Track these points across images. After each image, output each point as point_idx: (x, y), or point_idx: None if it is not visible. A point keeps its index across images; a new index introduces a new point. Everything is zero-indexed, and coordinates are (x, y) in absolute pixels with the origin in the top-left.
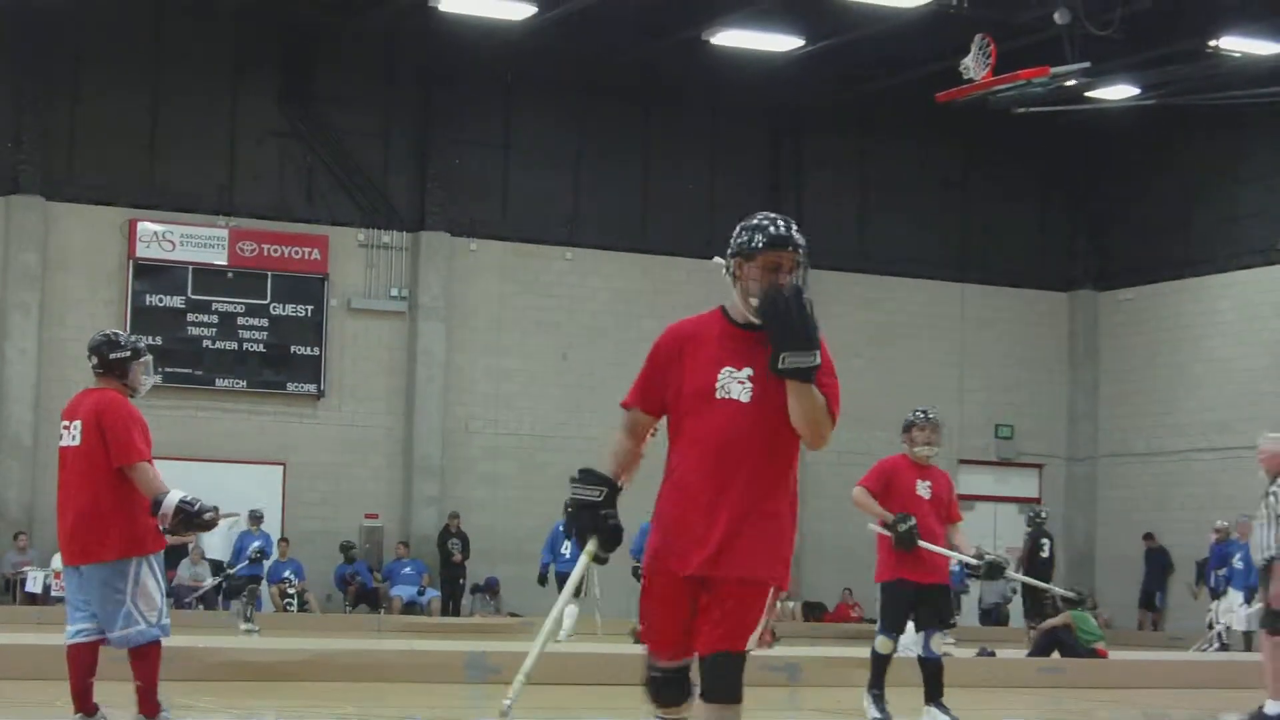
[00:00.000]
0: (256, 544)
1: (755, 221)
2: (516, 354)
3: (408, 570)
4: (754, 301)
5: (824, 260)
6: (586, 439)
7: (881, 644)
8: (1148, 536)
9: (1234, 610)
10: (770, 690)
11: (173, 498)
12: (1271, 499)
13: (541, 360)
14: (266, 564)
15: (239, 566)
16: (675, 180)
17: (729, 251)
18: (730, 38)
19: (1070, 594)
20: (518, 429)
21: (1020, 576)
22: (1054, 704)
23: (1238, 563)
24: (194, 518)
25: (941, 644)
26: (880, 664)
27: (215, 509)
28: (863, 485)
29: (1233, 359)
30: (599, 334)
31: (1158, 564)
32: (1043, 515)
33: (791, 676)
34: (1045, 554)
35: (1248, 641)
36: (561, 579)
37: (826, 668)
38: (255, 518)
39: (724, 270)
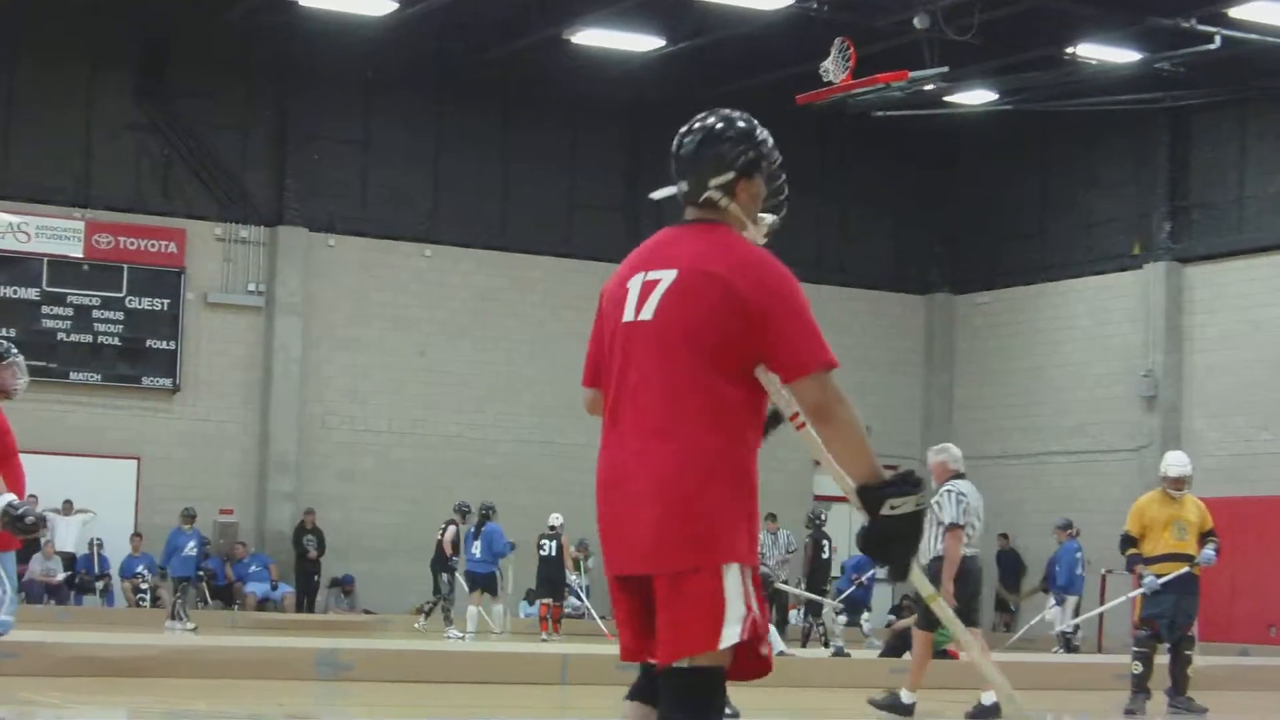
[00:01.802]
0: (191, 542)
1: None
2: (374, 350)
3: (254, 568)
4: (767, 220)
5: None
6: (444, 436)
7: None
8: (1002, 537)
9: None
10: None
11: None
12: (935, 506)
13: (399, 357)
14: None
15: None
16: (535, 178)
17: (742, 166)
18: (591, 37)
19: (816, 597)
20: (375, 425)
21: (787, 587)
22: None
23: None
24: (17, 522)
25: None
26: None
27: (41, 516)
28: None
29: (1086, 363)
30: (457, 331)
31: (1010, 566)
32: (822, 517)
33: None
34: (825, 555)
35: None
36: (470, 578)
37: None
38: (188, 515)
39: (719, 201)
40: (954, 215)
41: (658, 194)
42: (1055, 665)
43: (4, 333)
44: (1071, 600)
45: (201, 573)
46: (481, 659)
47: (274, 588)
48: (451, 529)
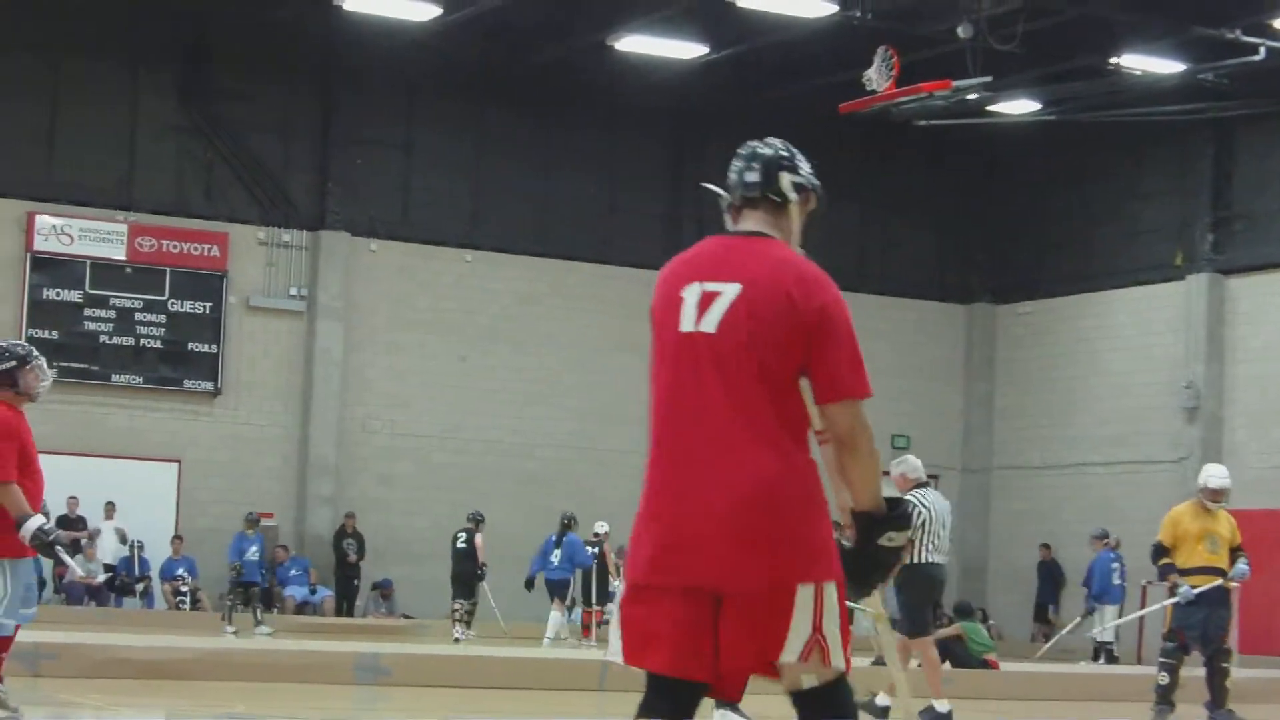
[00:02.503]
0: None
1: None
2: (415, 355)
3: (294, 571)
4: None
5: None
6: (484, 441)
7: None
8: (1044, 547)
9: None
10: None
11: (31, 524)
12: None
13: (440, 361)
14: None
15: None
16: (575, 184)
17: (801, 182)
18: (634, 43)
19: None
20: (415, 430)
21: None
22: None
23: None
24: (47, 546)
25: None
26: None
27: (69, 540)
28: None
29: (1128, 374)
30: (497, 336)
31: (1050, 576)
32: None
33: None
34: None
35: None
36: (549, 585)
37: None
38: (252, 520)
39: (787, 194)
40: (996, 224)
41: (712, 186)
42: (1090, 676)
43: (47, 335)
44: (1110, 610)
45: (264, 576)
46: (520, 664)
47: (313, 591)
48: (479, 536)
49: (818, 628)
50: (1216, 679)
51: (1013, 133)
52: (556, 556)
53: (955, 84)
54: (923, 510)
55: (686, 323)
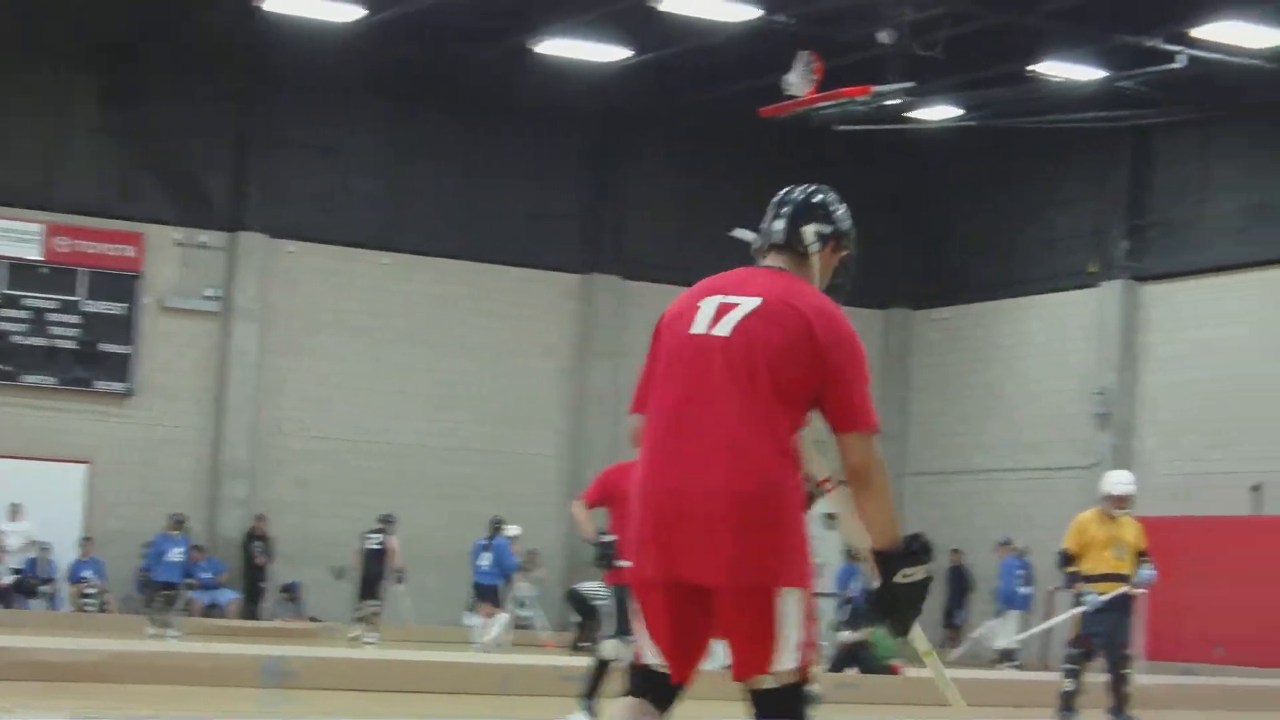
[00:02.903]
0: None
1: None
2: (332, 357)
3: (205, 574)
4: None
5: (644, 272)
6: (401, 444)
7: (611, 649)
8: (954, 553)
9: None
10: None
11: None
12: None
13: (357, 364)
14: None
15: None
16: (497, 188)
17: (830, 230)
18: (557, 46)
19: None
20: (330, 433)
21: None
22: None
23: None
24: None
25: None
26: (603, 671)
27: None
28: (580, 499)
29: (1042, 380)
30: (416, 340)
31: (959, 582)
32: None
33: None
34: None
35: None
36: (478, 589)
37: None
38: (176, 521)
39: (809, 245)
40: (914, 230)
41: (738, 232)
42: (994, 682)
43: None
44: (1014, 615)
45: (190, 580)
46: (426, 668)
47: (215, 590)
48: (392, 539)
49: (809, 636)
50: (1119, 685)
51: (933, 139)
52: (486, 560)
53: (876, 89)
54: None
55: (699, 326)
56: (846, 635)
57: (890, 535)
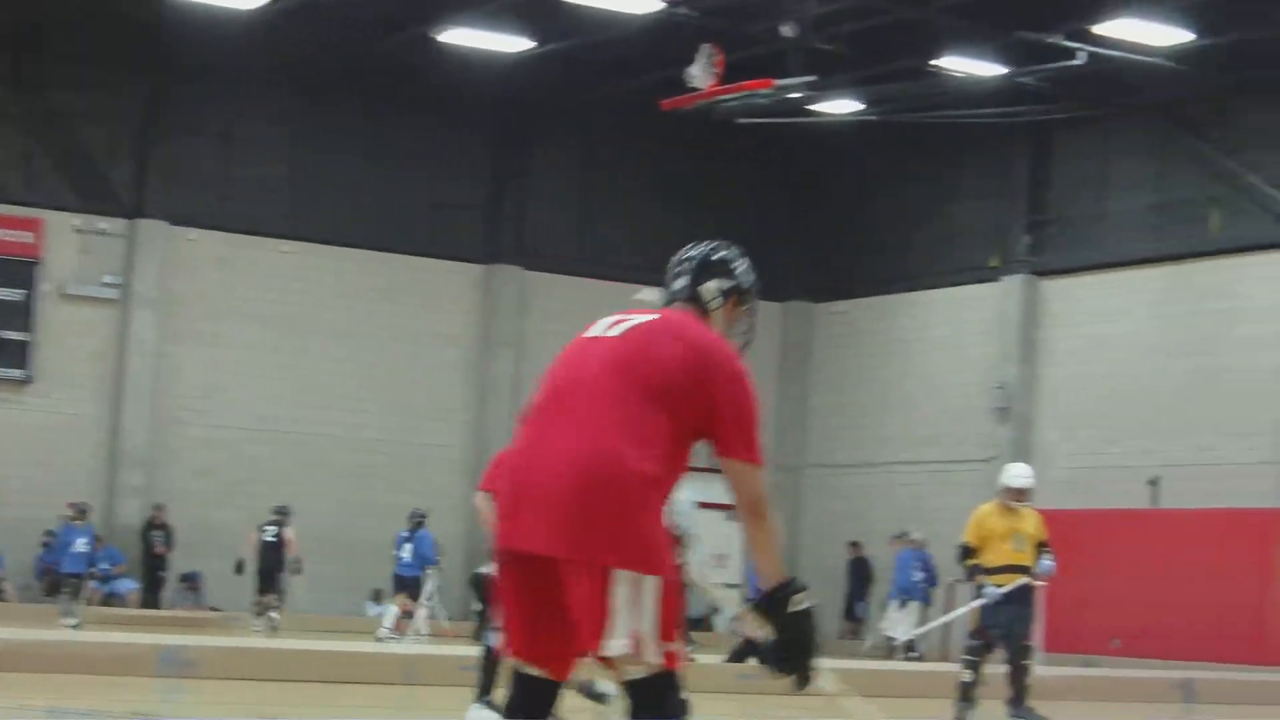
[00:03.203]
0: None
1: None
2: (232, 346)
3: (104, 565)
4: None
5: (546, 263)
6: (301, 434)
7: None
8: (853, 545)
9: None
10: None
11: None
12: None
13: (257, 353)
14: None
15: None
16: (399, 177)
17: (731, 285)
18: (460, 36)
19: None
20: (230, 421)
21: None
22: (751, 710)
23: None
24: None
25: None
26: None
27: None
28: (480, 489)
29: (941, 374)
30: (317, 329)
31: (859, 574)
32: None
33: None
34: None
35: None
36: (399, 581)
37: None
38: (80, 510)
39: (710, 301)
40: (816, 223)
41: (642, 293)
42: (894, 673)
43: None
44: (912, 607)
45: (93, 570)
46: (327, 658)
47: (115, 581)
48: (288, 530)
49: (637, 623)
50: (1018, 677)
51: (835, 132)
52: (408, 552)
53: (777, 83)
54: None
55: (594, 332)
56: (745, 626)
57: (779, 570)
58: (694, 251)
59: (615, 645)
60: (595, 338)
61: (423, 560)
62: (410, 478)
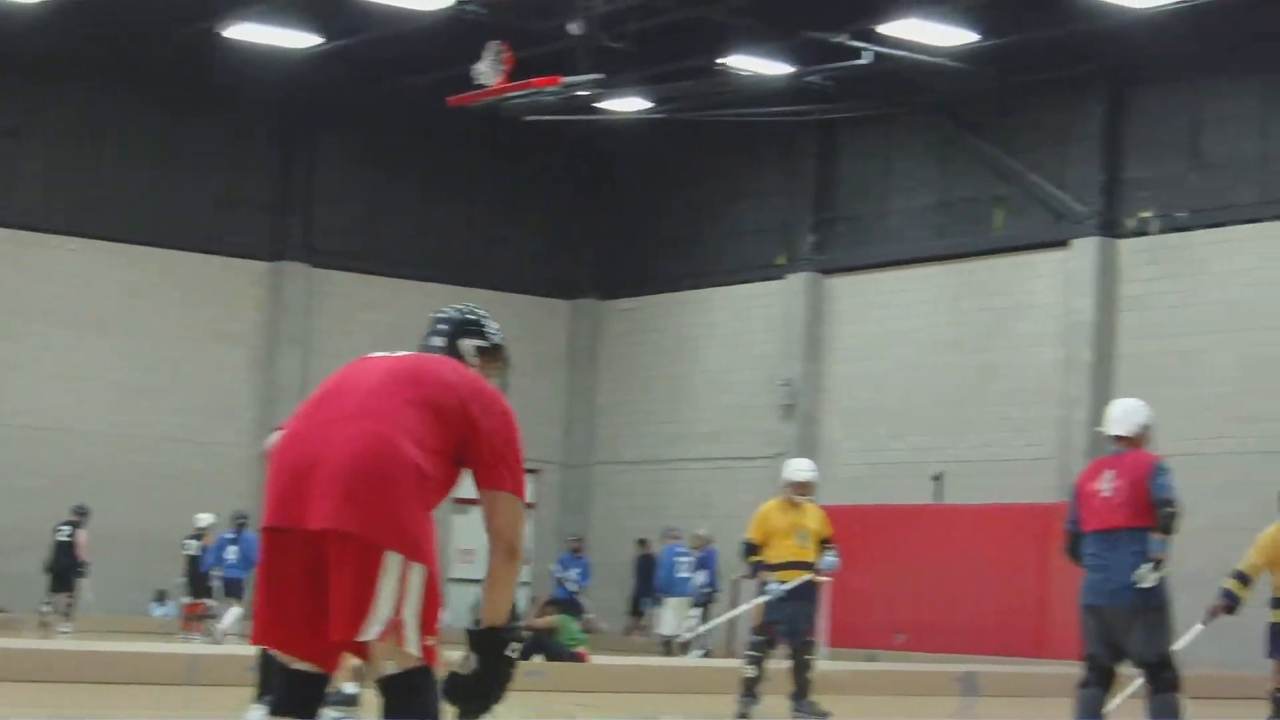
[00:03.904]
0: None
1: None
2: (17, 343)
3: None
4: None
5: (333, 262)
6: (91, 433)
7: None
8: (640, 542)
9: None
10: None
11: None
12: None
13: (42, 351)
14: None
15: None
16: (186, 174)
17: (485, 345)
18: (246, 31)
19: None
20: (17, 420)
21: None
22: (535, 707)
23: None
24: None
25: None
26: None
27: None
28: None
29: (728, 371)
30: (105, 327)
31: (645, 571)
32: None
33: None
34: None
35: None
36: (226, 584)
37: None
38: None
39: (468, 358)
40: (605, 221)
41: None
42: (677, 669)
43: None
44: (674, 603)
45: None
46: (111, 658)
47: None
48: (81, 532)
49: (399, 610)
50: (801, 671)
51: (623, 131)
52: (233, 554)
53: (565, 80)
54: None
55: (373, 356)
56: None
57: (506, 612)
58: (449, 313)
59: (374, 630)
60: (374, 356)
61: (247, 562)
62: (199, 477)
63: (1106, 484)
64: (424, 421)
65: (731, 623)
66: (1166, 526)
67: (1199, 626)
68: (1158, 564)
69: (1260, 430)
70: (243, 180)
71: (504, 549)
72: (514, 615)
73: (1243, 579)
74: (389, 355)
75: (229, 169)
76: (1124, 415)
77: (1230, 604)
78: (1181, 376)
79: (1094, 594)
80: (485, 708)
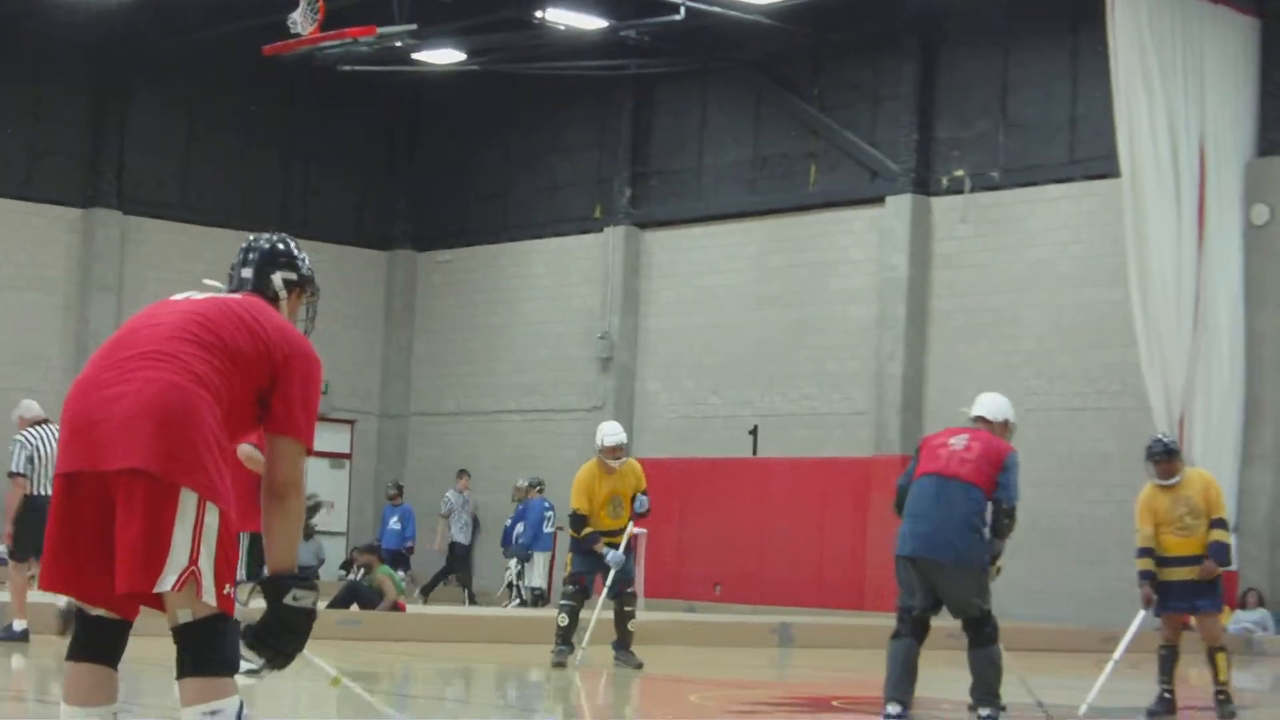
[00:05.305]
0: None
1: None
2: None
3: None
4: None
5: (147, 209)
6: None
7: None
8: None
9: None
10: None
11: None
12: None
13: None
14: None
15: None
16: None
17: (295, 278)
18: None
19: None
20: None
21: None
22: (352, 655)
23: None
24: None
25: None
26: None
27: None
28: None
29: (546, 323)
30: None
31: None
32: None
33: None
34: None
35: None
36: None
37: None
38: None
39: (277, 291)
40: (420, 173)
41: (207, 282)
42: (492, 618)
43: None
44: (540, 557)
45: None
46: None
47: None
48: None
49: (194, 557)
50: (621, 621)
51: (439, 82)
52: None
53: (380, 30)
54: (40, 447)
55: (175, 298)
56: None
57: (290, 558)
58: (259, 243)
59: (170, 580)
60: (174, 299)
61: None
62: (7, 425)
63: (960, 441)
64: (220, 369)
65: (550, 574)
66: (1004, 532)
67: (1142, 613)
68: (995, 561)
69: (1069, 388)
70: (55, 127)
71: (279, 496)
72: (302, 570)
73: (1148, 553)
74: (188, 297)
75: (42, 116)
76: (991, 402)
77: (1155, 581)
78: (993, 333)
79: (913, 545)
80: (282, 655)
